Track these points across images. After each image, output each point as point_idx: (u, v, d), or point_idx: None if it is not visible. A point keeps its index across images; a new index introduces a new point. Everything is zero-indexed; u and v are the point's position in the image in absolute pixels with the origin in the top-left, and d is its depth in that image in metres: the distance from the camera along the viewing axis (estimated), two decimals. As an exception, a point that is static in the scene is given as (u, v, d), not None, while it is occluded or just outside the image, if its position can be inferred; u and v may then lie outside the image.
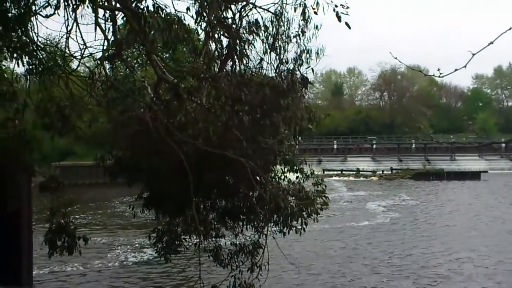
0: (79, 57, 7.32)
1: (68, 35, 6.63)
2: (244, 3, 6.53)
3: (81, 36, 6.99)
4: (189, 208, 9.09)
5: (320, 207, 8.17)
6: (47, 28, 7.20)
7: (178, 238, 9.20)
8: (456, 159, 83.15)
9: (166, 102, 8.03)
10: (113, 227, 31.98)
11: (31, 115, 7.90)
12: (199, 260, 7.94)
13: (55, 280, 19.43)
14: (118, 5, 6.26)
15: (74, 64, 7.96)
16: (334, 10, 6.17)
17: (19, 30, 6.71)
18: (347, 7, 6.11)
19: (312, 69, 7.07)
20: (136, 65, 8.72)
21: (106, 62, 7.10)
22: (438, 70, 4.21)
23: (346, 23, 6.15)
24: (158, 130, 8.01)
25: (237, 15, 6.61)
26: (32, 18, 6.80)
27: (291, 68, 7.06)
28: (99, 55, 7.60)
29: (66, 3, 6.49)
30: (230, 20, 6.54)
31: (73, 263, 20.69)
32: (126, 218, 35.40)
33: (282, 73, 7.00)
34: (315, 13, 6.46)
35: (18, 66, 7.24)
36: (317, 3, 6.37)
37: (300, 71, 7.03)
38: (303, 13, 6.67)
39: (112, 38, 6.99)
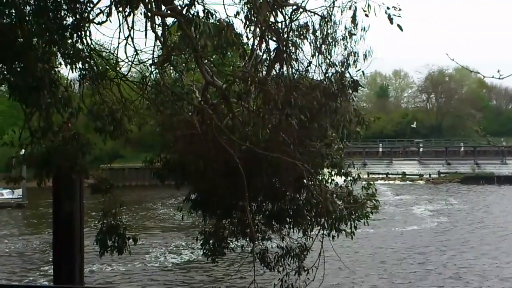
0: (131, 62, 7.51)
1: (126, 41, 6.81)
2: (295, 7, 6.53)
3: (132, 41, 7.17)
4: (235, 211, 9.18)
5: (370, 211, 8.08)
6: (104, 35, 7.40)
7: (224, 240, 9.27)
8: (507, 163, 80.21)
9: (214, 106, 8.13)
10: (151, 228, 32.61)
11: (84, 119, 8.15)
12: (254, 263, 8.02)
13: (98, 279, 19.96)
14: (169, 12, 6.40)
15: (125, 69, 8.16)
16: (386, 12, 6.09)
17: (75, 37, 6.94)
18: (400, 9, 6.03)
19: (363, 71, 7.01)
20: (184, 69, 8.85)
21: (159, 66, 7.24)
22: (498, 71, 4.09)
23: (399, 25, 6.07)
24: (205, 133, 8.12)
25: (286, 18, 6.62)
26: (86, 25, 7.01)
27: (340, 71, 7.01)
28: (149, 59, 7.81)
29: (118, 11, 6.68)
30: (279, 24, 6.56)
31: (114, 263, 21.15)
32: (164, 220, 36.09)
33: (333, 76, 6.95)
34: (366, 15, 6.39)
35: (73, 71, 7.51)
36: (369, 6, 6.30)
37: (350, 74, 6.97)
38: (354, 16, 6.60)
39: (160, 43, 7.17)
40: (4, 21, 6.73)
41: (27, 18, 6.80)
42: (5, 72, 6.86)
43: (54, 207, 9.58)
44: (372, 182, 8.68)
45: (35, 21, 6.84)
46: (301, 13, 6.65)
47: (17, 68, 6.77)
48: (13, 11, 6.69)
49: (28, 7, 7.01)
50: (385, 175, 74.86)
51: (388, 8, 6.10)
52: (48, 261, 23.67)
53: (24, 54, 6.57)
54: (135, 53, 7.22)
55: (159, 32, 6.69)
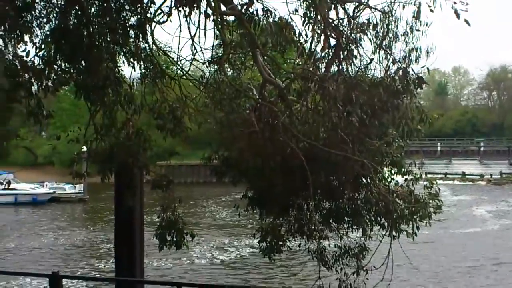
0: (191, 60, 7.62)
1: (192, 40, 6.90)
2: (357, 3, 6.42)
3: (192, 40, 7.27)
4: (292, 209, 9.14)
5: (433, 211, 7.85)
6: (169, 34, 7.53)
7: (281, 238, 9.25)
8: None
9: (271, 104, 8.13)
10: (199, 225, 32.94)
11: (146, 116, 8.34)
12: (319, 262, 8.01)
13: (151, 273, 20.35)
14: (227, 10, 6.44)
15: (186, 67, 8.28)
16: (452, 7, 5.87)
17: (138, 37, 7.11)
18: (467, 4, 5.79)
19: (427, 68, 6.79)
20: (242, 67, 8.89)
21: (223, 64, 7.32)
22: None
23: (466, 21, 5.84)
24: (263, 130, 8.13)
25: (348, 15, 6.53)
26: (148, 25, 7.17)
27: (402, 67, 6.83)
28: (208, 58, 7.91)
29: (178, 10, 6.79)
30: (339, 21, 6.47)
31: (160, 258, 21.45)
32: (211, 217, 36.40)
33: (396, 73, 6.79)
34: (431, 11, 6.19)
35: (135, 70, 7.71)
36: (434, 0, 6.10)
37: (413, 71, 6.79)
38: (418, 11, 6.40)
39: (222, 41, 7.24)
40: (71, 22, 6.98)
41: (91, 19, 7.02)
42: (72, 71, 7.11)
43: (116, 202, 9.85)
44: (434, 182, 8.43)
45: (99, 22, 7.05)
46: (363, 9, 6.52)
47: (83, 68, 7.00)
48: (79, 12, 6.92)
49: (92, 8, 7.23)
50: (443, 175, 72.58)
51: (454, 2, 5.87)
52: (96, 255, 24.53)
53: (89, 54, 6.78)
54: (195, 51, 7.32)
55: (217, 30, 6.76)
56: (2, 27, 4.73)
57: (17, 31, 5.10)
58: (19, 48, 6.48)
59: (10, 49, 6.62)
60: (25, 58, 5.86)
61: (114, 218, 10.17)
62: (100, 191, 44.57)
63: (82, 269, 21.96)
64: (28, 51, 5.87)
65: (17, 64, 6.16)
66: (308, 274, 19.28)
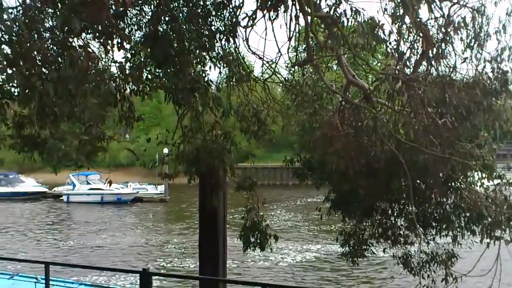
0: (275, 63, 7.71)
1: (289, 43, 6.99)
2: (452, 3, 6.22)
3: (276, 42, 7.37)
4: (376, 212, 8.98)
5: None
6: (260, 37, 7.64)
7: (365, 242, 9.12)
8: None
9: (355, 106, 8.04)
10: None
11: (231, 119, 8.50)
12: (421, 267, 7.78)
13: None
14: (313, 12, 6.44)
15: (271, 70, 8.37)
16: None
17: (226, 41, 7.29)
18: None
19: (527, 67, 6.46)
20: (326, 69, 8.87)
21: (319, 67, 7.35)
22: None
23: None
24: (347, 133, 8.05)
25: (438, 13, 6.34)
26: (235, 29, 7.32)
27: (498, 66, 6.53)
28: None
29: (263, 14, 6.90)
30: (436, 20, 6.29)
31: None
32: (279, 221, 36.18)
33: (492, 72, 6.51)
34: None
35: (221, 74, 7.90)
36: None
37: (511, 69, 6.47)
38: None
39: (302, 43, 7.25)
40: (161, 28, 7.25)
41: (181, 25, 7.25)
42: (161, 76, 7.38)
43: (200, 202, 10.09)
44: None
45: (187, 28, 7.28)
46: (459, 8, 6.31)
47: (172, 72, 7.24)
48: (169, 19, 7.18)
49: (181, 14, 7.47)
50: (532, 180, 68.20)
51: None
52: (176, 254, 25.12)
53: (179, 59, 7.01)
54: (279, 54, 7.41)
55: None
56: (104, 35, 4.99)
57: (117, 38, 5.35)
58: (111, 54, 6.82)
59: (103, 56, 6.98)
60: (123, 64, 6.14)
61: (198, 218, 10.40)
62: (179, 192, 45.91)
63: (164, 266, 22.65)
64: (127, 57, 6.15)
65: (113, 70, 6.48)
66: (382, 282, 18.95)
